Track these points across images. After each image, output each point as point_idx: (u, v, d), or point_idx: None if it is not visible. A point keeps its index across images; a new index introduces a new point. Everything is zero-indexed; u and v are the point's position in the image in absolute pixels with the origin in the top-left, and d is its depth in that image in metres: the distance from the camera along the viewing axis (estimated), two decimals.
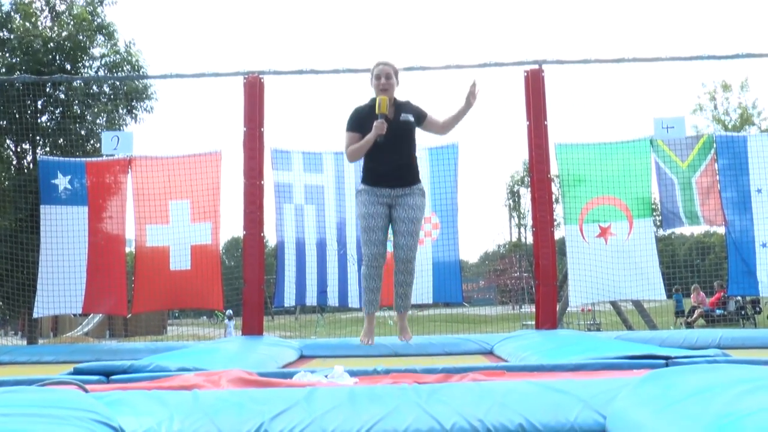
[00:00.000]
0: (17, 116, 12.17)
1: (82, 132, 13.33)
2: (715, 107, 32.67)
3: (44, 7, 14.41)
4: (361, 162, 6.87)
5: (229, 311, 25.20)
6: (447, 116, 6.72)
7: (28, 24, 13.45)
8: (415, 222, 6.61)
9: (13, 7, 13.87)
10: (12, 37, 13.54)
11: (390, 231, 6.93)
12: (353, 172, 10.13)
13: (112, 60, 14.25)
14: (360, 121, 6.42)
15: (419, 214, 6.59)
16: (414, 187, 6.52)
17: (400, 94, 6.67)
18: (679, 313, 22.62)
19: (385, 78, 6.36)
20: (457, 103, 6.73)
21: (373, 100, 6.42)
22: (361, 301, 7.61)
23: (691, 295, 23.03)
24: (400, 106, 6.48)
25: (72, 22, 13.88)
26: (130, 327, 27.54)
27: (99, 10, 14.45)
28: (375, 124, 6.13)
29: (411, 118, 6.45)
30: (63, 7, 14.41)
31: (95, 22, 14.22)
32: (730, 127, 31.15)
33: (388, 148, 6.25)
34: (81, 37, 13.74)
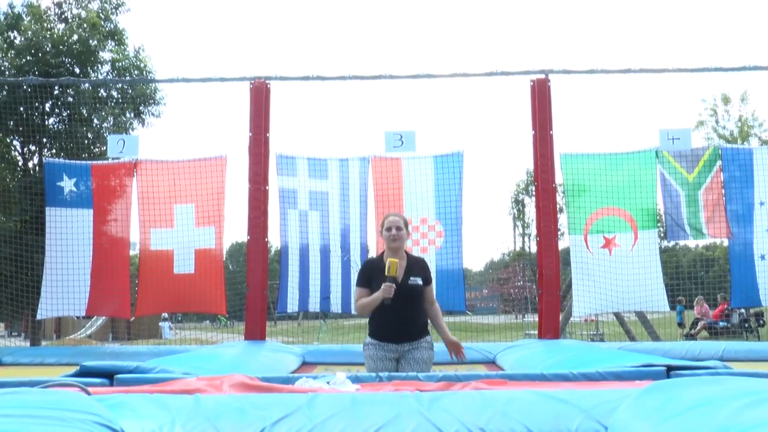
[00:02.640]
0: (25, 118, 12.19)
1: (90, 135, 13.35)
2: (717, 121, 32.64)
3: (56, 11, 14.46)
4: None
5: (164, 314, 25.95)
6: (437, 314, 6.66)
7: (37, 26, 13.48)
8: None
9: (24, 9, 13.92)
10: (22, 39, 13.58)
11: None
12: (358, 178, 10.14)
13: (121, 65, 14.28)
14: (369, 278, 6.39)
15: (426, 368, 6.57)
16: (421, 341, 6.49)
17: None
18: (680, 324, 22.54)
19: (395, 229, 6.32)
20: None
21: (383, 257, 6.40)
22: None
23: (695, 308, 22.96)
24: (410, 268, 6.42)
25: (84, 26, 13.92)
26: (133, 330, 27.56)
27: (112, 16, 14.50)
28: (383, 287, 6.10)
29: (419, 282, 6.42)
30: (74, 12, 14.46)
31: (107, 28, 14.26)
32: (731, 139, 31.10)
33: (396, 307, 6.24)
34: (92, 42, 13.77)
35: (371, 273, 6.33)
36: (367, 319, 6.65)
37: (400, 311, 6.17)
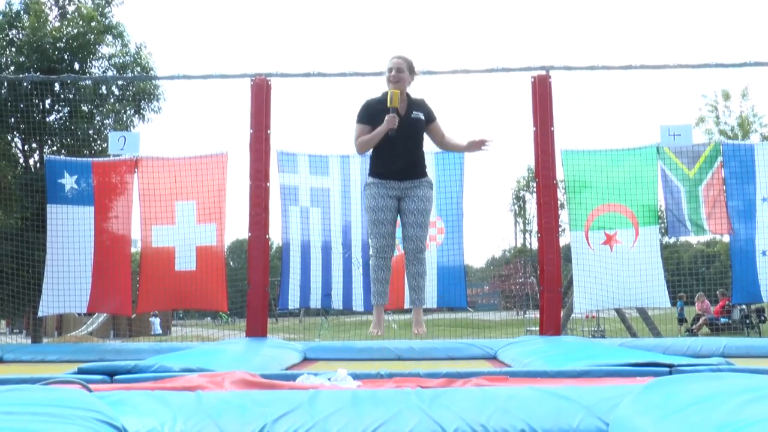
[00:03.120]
0: (25, 115, 12.18)
1: (90, 132, 13.34)
2: (717, 117, 32.58)
3: (53, 6, 14.45)
4: (368, 160, 6.85)
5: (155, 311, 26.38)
6: (451, 139, 6.71)
7: (37, 24, 13.46)
8: (425, 213, 6.59)
9: (23, 6, 13.90)
10: (21, 35, 13.57)
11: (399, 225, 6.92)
12: (359, 174, 10.14)
13: (121, 61, 14.27)
14: (370, 114, 6.41)
15: (428, 206, 6.57)
16: (423, 180, 6.51)
17: (414, 93, 6.68)
18: (681, 320, 22.51)
19: (396, 71, 6.35)
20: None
21: (385, 94, 6.41)
22: (368, 296, 7.59)
23: (696, 304, 22.95)
24: (412, 104, 6.46)
25: (81, 22, 13.90)
26: (134, 327, 27.58)
27: (107, 10, 14.47)
28: (386, 117, 6.13)
29: (421, 116, 6.45)
30: (72, 7, 14.44)
31: (103, 23, 14.23)
32: (731, 136, 31.07)
33: (398, 142, 6.24)
34: (89, 37, 13.76)
35: (372, 111, 6.37)
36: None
37: (402, 147, 6.22)
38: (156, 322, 29.92)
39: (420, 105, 6.54)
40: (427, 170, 6.65)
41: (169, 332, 29.69)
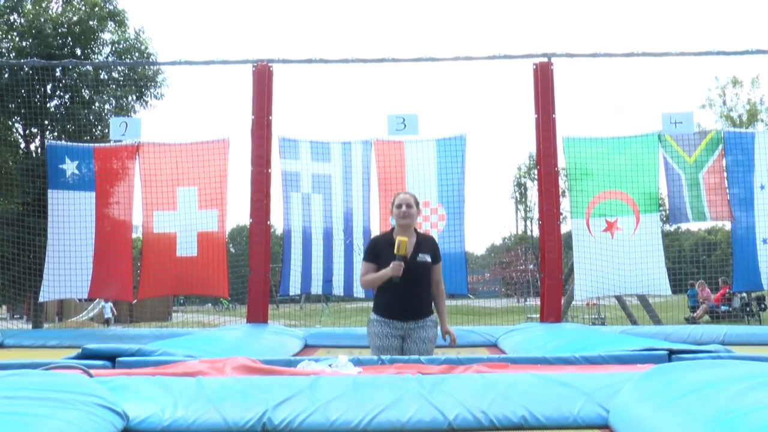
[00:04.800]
0: (26, 100, 12.16)
1: (91, 117, 13.32)
2: (724, 103, 32.56)
3: None
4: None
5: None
6: (441, 296, 6.68)
7: (38, 8, 13.44)
8: (428, 352, 6.61)
9: None
10: (23, 20, 13.55)
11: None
12: (360, 161, 10.13)
13: (122, 46, 14.25)
14: (376, 252, 6.38)
15: (431, 346, 6.57)
16: (426, 320, 6.49)
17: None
18: (693, 308, 22.49)
19: (406, 206, 6.32)
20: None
21: (392, 233, 6.39)
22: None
23: (697, 292, 22.95)
24: (419, 244, 6.41)
25: (84, 8, 13.88)
26: (135, 313, 27.61)
27: None
28: (392, 264, 6.09)
29: (428, 259, 6.40)
30: None
31: (107, 9, 14.22)
32: (738, 122, 31.05)
33: (403, 285, 6.23)
34: (92, 23, 13.74)
35: (379, 248, 6.34)
36: (371, 302, 6.67)
37: (407, 288, 6.18)
38: (107, 306, 29.78)
39: (428, 245, 6.47)
40: (432, 308, 6.61)
41: (170, 318, 29.72)
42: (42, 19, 13.22)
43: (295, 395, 2.91)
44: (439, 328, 6.40)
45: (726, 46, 11.26)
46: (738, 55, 10.17)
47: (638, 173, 9.99)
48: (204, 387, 3.03)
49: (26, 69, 11.70)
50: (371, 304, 6.58)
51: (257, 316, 9.16)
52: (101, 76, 13.88)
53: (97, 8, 13.86)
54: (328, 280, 10.19)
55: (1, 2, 13.63)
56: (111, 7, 14.36)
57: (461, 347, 8.00)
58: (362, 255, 6.56)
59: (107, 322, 29.00)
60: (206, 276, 10.13)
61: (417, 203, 6.44)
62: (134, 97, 14.10)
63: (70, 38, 13.66)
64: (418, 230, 6.52)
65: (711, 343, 7.23)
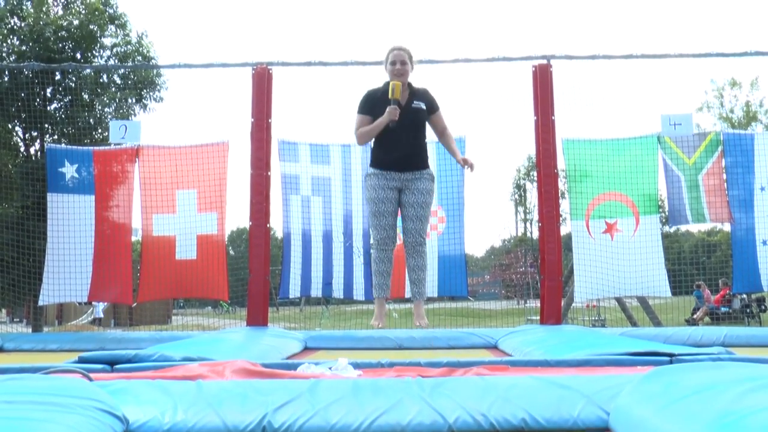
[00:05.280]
0: (26, 103, 12.17)
1: (91, 121, 13.32)
2: (722, 105, 32.59)
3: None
4: (369, 150, 6.86)
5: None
6: (451, 138, 6.72)
7: (39, 12, 13.44)
8: (425, 206, 6.58)
9: None
10: (23, 24, 13.56)
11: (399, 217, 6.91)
12: (360, 163, 10.14)
13: (123, 50, 14.26)
14: (372, 105, 6.39)
15: (428, 199, 6.56)
16: (424, 172, 6.50)
17: (416, 82, 6.67)
18: (695, 309, 22.52)
19: (400, 63, 6.34)
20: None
21: (387, 84, 6.40)
22: (371, 285, 7.58)
23: (702, 293, 22.97)
24: (414, 93, 6.45)
25: (84, 11, 13.90)
26: (135, 316, 27.62)
27: (112, 1, 14.47)
28: (388, 109, 6.11)
29: (423, 106, 6.42)
30: None
31: (107, 12, 14.23)
32: (736, 124, 31.07)
33: (399, 133, 6.22)
34: (92, 27, 13.75)
35: (373, 101, 6.36)
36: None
37: (404, 137, 6.20)
38: (98, 306, 29.73)
39: (422, 95, 6.51)
40: (428, 161, 6.64)
41: (169, 321, 29.72)
42: (42, 23, 13.23)
43: (295, 398, 2.91)
44: (435, 182, 6.50)
45: (725, 48, 11.30)
46: (737, 57, 10.18)
47: (638, 175, 10.00)
48: (204, 390, 3.03)
49: (26, 72, 11.69)
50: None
51: (257, 319, 9.15)
52: (102, 80, 13.88)
53: (98, 12, 13.86)
54: (327, 283, 10.20)
55: (1, 4, 13.63)
56: (111, 11, 14.37)
57: (460, 349, 8.00)
58: (357, 108, 6.59)
59: (98, 321, 29.04)
60: (206, 279, 10.13)
61: (411, 59, 6.46)
62: (134, 100, 14.10)
63: (70, 42, 13.67)
64: (414, 85, 6.56)
65: (711, 344, 7.24)
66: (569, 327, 9.34)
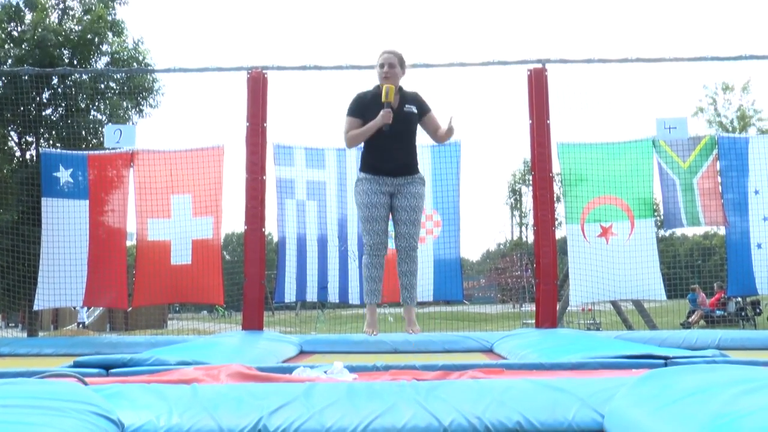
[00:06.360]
0: (21, 108, 12.16)
1: (88, 126, 13.33)
2: (715, 109, 32.62)
3: (57, 2, 14.45)
4: (361, 153, 6.84)
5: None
6: (442, 131, 6.66)
7: (37, 17, 13.45)
8: (417, 210, 6.56)
9: (24, 1, 13.90)
10: (22, 29, 13.57)
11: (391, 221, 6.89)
12: (355, 167, 10.13)
13: (120, 56, 14.27)
14: (362, 107, 6.36)
15: (420, 203, 6.54)
16: (415, 176, 6.48)
17: (408, 86, 6.68)
18: (691, 313, 22.55)
19: (388, 66, 6.31)
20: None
21: (378, 88, 6.39)
22: (362, 292, 7.57)
23: (697, 296, 23.01)
24: (405, 97, 6.44)
25: (87, 18, 13.93)
26: (130, 320, 27.60)
27: (111, 8, 14.49)
28: (382, 112, 6.08)
29: (414, 110, 6.41)
30: (75, 3, 14.47)
31: (107, 19, 14.25)
32: (729, 128, 31.11)
33: (391, 137, 6.20)
34: (90, 36, 13.78)
35: (364, 104, 6.33)
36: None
37: (395, 141, 6.17)
38: (83, 311, 29.77)
39: (413, 98, 6.50)
40: (419, 166, 6.63)
41: (165, 325, 29.70)
42: (41, 29, 13.24)
43: (291, 402, 2.91)
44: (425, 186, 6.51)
45: (719, 52, 11.29)
46: (731, 61, 10.20)
47: (633, 179, 10.01)
48: (199, 394, 3.03)
49: (22, 77, 11.69)
50: (361, 155, 6.57)
51: (252, 323, 9.15)
52: (98, 86, 13.89)
53: (101, 20, 13.88)
54: (323, 287, 10.19)
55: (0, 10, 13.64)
56: (111, 18, 14.40)
57: (456, 352, 8.01)
58: (347, 110, 6.55)
59: (82, 326, 29.03)
60: (201, 283, 10.11)
61: (402, 62, 6.43)
62: (129, 106, 14.11)
63: (69, 48, 13.69)
64: (404, 89, 6.52)
65: (706, 347, 7.24)
66: (564, 330, 9.36)
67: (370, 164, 6.40)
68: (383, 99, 6.08)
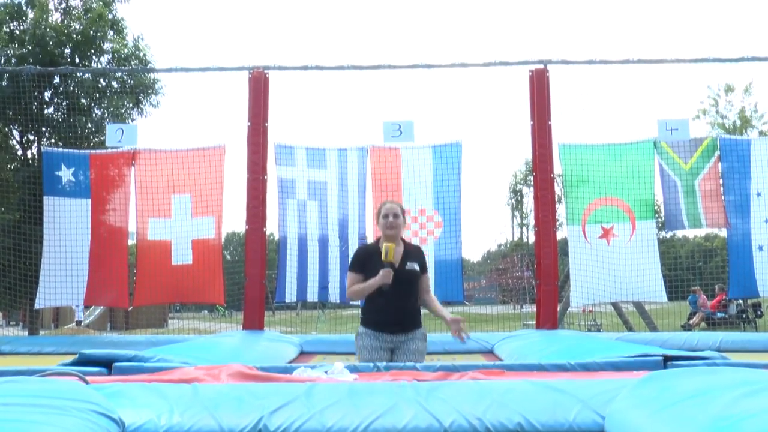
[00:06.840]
0: (23, 107, 12.17)
1: (89, 125, 13.33)
2: (717, 111, 32.58)
3: (60, 1, 14.47)
4: (365, 164, 6.79)
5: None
6: (435, 300, 6.54)
7: (39, 17, 13.46)
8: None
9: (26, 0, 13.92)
10: (24, 28, 13.58)
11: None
12: (356, 168, 10.14)
13: (120, 54, 14.28)
14: (363, 263, 6.26)
15: (421, 359, 6.46)
16: (416, 332, 6.40)
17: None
18: (692, 314, 22.51)
19: (393, 216, 6.22)
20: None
21: (378, 243, 6.29)
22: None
23: (697, 298, 22.97)
24: (407, 253, 6.34)
25: (88, 16, 13.94)
26: (131, 320, 27.58)
27: (112, 7, 14.51)
28: (381, 272, 5.98)
29: (417, 267, 6.31)
30: (76, 2, 14.47)
31: (108, 18, 14.26)
32: (730, 129, 31.08)
33: (392, 294, 6.11)
34: (92, 33, 13.78)
35: (366, 258, 6.25)
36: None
37: (396, 299, 6.09)
38: (79, 309, 29.75)
39: (415, 254, 6.39)
40: (421, 319, 6.53)
41: (165, 325, 29.68)
42: (43, 28, 13.25)
43: (291, 402, 2.91)
44: (427, 341, 6.33)
45: (721, 53, 11.29)
46: (733, 62, 10.19)
47: (634, 180, 10.00)
48: (200, 394, 3.03)
49: (24, 76, 11.71)
50: (361, 309, 6.50)
51: (253, 323, 9.16)
52: (99, 85, 13.90)
53: (101, 19, 13.88)
54: (324, 287, 10.19)
55: (2, 9, 13.64)
56: (111, 16, 14.40)
57: (456, 353, 8.01)
58: (349, 264, 6.46)
59: (78, 324, 29.02)
60: (202, 283, 10.10)
61: (403, 212, 6.34)
62: (131, 105, 14.11)
63: (70, 45, 13.69)
64: (405, 240, 6.44)
65: (707, 349, 7.25)
66: (565, 332, 9.36)
67: (371, 321, 6.33)
68: (383, 258, 5.97)
